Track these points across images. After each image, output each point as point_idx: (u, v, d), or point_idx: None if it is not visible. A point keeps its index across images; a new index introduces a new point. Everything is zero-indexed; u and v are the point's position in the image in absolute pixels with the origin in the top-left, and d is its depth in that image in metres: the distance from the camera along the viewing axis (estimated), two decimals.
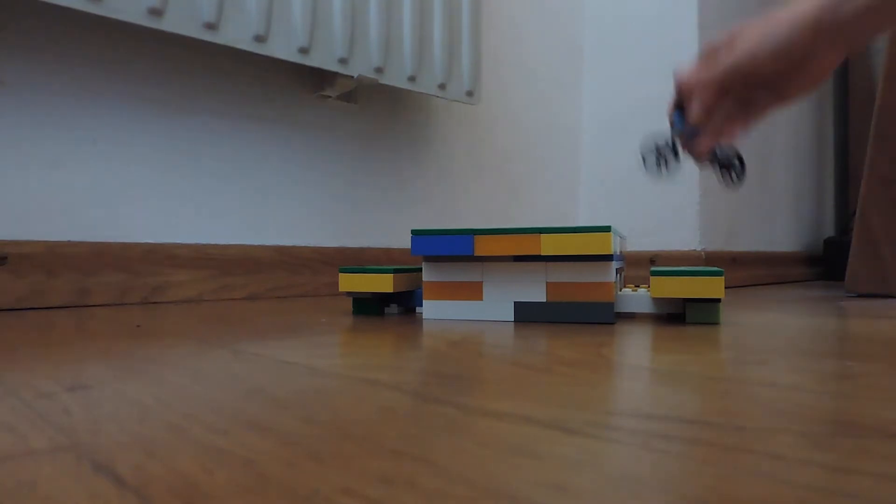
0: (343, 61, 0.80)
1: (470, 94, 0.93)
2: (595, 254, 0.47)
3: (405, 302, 0.59)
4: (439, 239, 0.51)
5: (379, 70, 0.83)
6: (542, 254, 0.48)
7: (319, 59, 0.78)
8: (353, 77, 0.81)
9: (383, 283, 0.54)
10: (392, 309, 0.59)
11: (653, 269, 0.50)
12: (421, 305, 0.58)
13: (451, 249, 0.51)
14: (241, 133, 0.81)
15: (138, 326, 0.46)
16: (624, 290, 0.54)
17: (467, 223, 1.06)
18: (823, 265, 1.46)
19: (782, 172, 1.36)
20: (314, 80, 0.87)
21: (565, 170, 1.23)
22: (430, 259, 0.53)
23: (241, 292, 0.78)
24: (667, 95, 1.10)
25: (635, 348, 0.34)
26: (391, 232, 0.96)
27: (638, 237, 1.13)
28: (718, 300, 0.47)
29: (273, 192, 0.84)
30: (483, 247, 0.50)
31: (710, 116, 0.47)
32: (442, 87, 0.90)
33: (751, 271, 1.19)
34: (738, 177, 0.51)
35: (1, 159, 0.63)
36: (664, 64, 1.10)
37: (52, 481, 0.14)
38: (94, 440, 0.17)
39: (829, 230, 1.59)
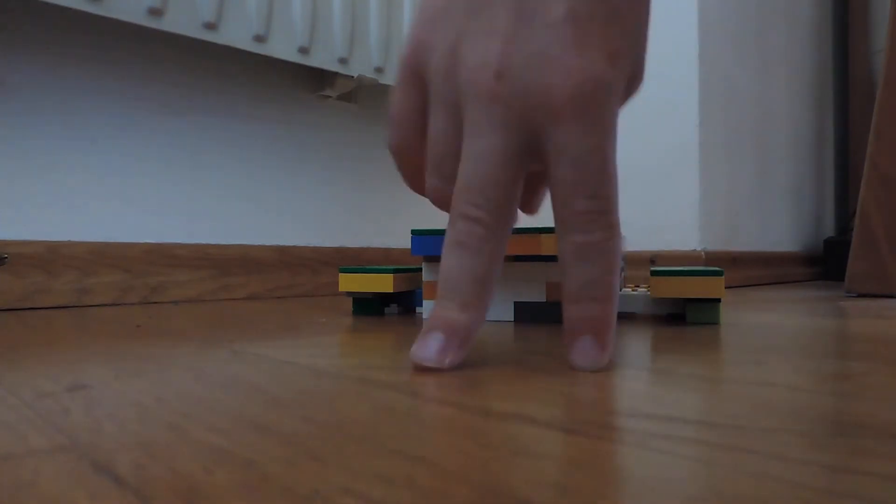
0: (343, 61, 0.80)
1: None
2: None
3: (405, 302, 0.59)
4: (439, 239, 0.51)
5: (379, 70, 0.83)
6: (542, 254, 0.48)
7: (319, 59, 0.78)
8: (353, 77, 0.81)
9: (383, 283, 0.54)
10: (392, 309, 0.59)
11: (653, 269, 0.50)
12: (421, 305, 0.58)
13: None
14: (241, 133, 0.81)
15: (138, 326, 0.46)
16: (624, 290, 0.54)
17: None
18: (823, 265, 1.46)
19: (782, 172, 1.36)
20: (314, 80, 0.87)
21: None
22: (431, 259, 0.53)
23: (241, 292, 0.78)
24: (666, 94, 1.11)
25: (635, 348, 0.34)
26: (391, 232, 0.96)
27: (638, 237, 1.14)
28: (719, 300, 0.47)
29: (273, 192, 0.84)
30: None
31: None
32: None
33: (751, 271, 1.19)
34: None
35: (1, 159, 0.63)
36: (664, 63, 1.10)
37: (52, 481, 0.14)
38: (94, 440, 0.17)
39: (829, 230, 1.59)
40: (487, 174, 0.27)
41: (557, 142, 0.26)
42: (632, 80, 0.29)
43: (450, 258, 0.28)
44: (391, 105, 0.32)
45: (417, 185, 0.35)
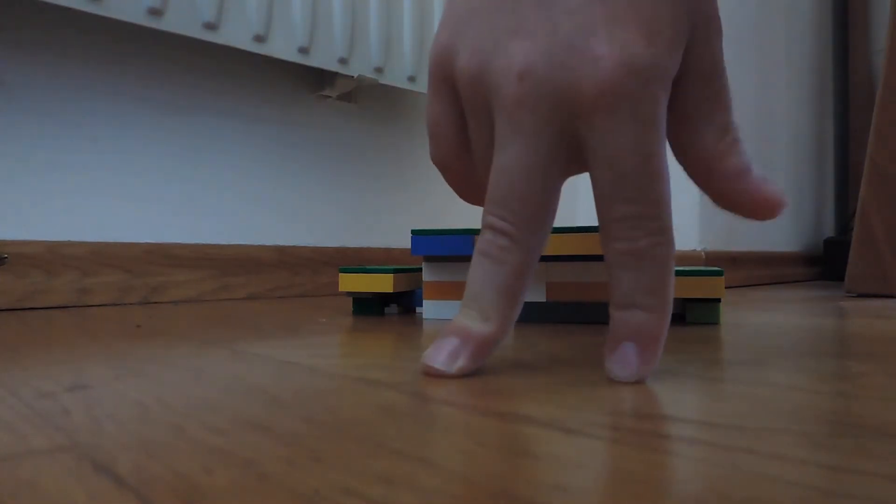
0: (343, 61, 0.80)
1: None
2: (595, 254, 0.47)
3: (405, 302, 0.59)
4: (439, 239, 0.51)
5: (379, 70, 0.83)
6: (542, 254, 0.48)
7: (319, 59, 0.78)
8: (353, 77, 0.81)
9: (383, 283, 0.54)
10: (392, 309, 0.59)
11: None
12: (421, 305, 0.58)
13: (451, 249, 0.51)
14: (241, 133, 0.81)
15: (138, 326, 0.46)
16: None
17: (467, 223, 1.06)
18: (823, 265, 1.46)
19: (782, 172, 1.36)
20: (314, 80, 0.87)
21: None
22: (430, 259, 0.53)
23: (241, 292, 0.78)
24: None
25: None
26: (391, 232, 0.96)
27: None
28: (718, 300, 0.47)
29: (273, 192, 0.84)
30: None
31: None
32: None
33: (751, 271, 1.19)
34: None
35: (1, 159, 0.63)
36: None
37: (51, 481, 0.14)
38: (94, 440, 0.17)
39: (829, 230, 1.59)
40: (511, 188, 0.25)
41: (591, 141, 0.24)
42: (697, 43, 0.25)
43: (475, 268, 0.26)
44: (426, 116, 0.30)
45: (467, 195, 0.32)
